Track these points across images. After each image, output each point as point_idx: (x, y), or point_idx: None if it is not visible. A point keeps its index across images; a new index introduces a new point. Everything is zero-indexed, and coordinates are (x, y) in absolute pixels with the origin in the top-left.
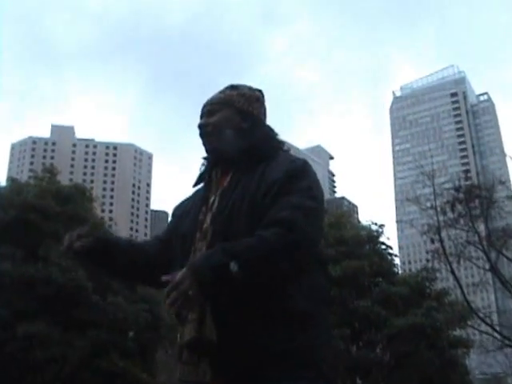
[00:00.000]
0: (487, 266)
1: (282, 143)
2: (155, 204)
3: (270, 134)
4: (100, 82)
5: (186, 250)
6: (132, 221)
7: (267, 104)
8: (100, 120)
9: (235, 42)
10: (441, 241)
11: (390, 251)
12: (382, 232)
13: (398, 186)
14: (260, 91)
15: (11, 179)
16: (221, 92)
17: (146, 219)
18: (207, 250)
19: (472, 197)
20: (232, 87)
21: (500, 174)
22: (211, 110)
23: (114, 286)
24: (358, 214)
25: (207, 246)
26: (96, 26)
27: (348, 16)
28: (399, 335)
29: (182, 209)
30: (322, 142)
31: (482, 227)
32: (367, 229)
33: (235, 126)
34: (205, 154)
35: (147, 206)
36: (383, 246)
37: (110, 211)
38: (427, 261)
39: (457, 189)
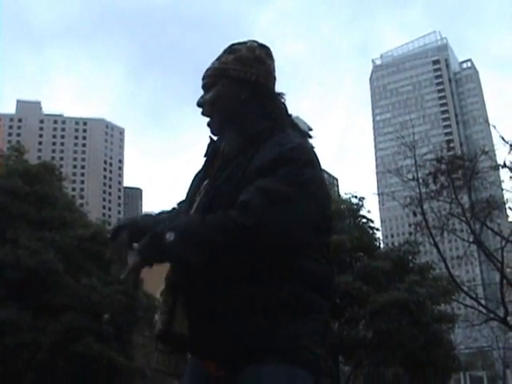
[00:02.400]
0: (471, 239)
1: (283, 120)
2: (128, 181)
3: (270, 106)
4: (82, 61)
5: None
6: (104, 199)
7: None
8: (82, 99)
9: (221, 17)
10: (423, 213)
11: (371, 225)
12: (362, 205)
13: (378, 157)
14: (263, 47)
15: None
16: (217, 58)
17: (119, 197)
18: None
19: (455, 168)
20: (230, 50)
21: (484, 143)
22: (207, 83)
23: (87, 268)
24: (338, 186)
25: None
26: (80, 4)
27: None
28: (382, 311)
29: (192, 183)
30: (301, 113)
31: (465, 199)
32: (347, 202)
33: (232, 99)
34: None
35: (120, 183)
36: (364, 220)
37: (82, 189)
38: (410, 234)
39: (439, 160)
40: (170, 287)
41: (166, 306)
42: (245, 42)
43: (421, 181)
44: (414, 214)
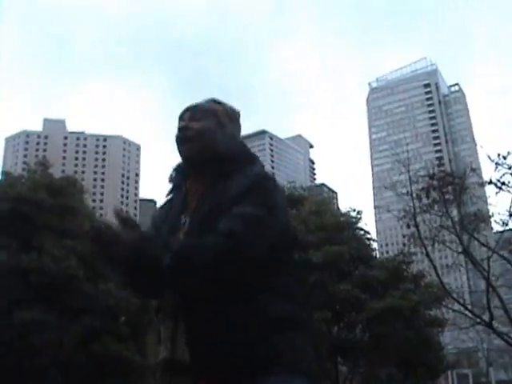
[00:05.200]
0: (460, 249)
1: (253, 157)
2: (144, 193)
3: (243, 148)
4: (118, 87)
5: None
6: (122, 210)
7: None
8: (106, 119)
9: (245, 48)
10: (416, 225)
11: (368, 236)
12: (360, 218)
13: (375, 173)
14: (238, 112)
15: (5, 173)
16: (206, 102)
17: (135, 208)
18: None
19: (445, 183)
20: (215, 101)
21: (471, 160)
22: (195, 115)
23: (104, 274)
24: (337, 200)
25: None
26: (118, 34)
27: (346, 24)
28: (378, 317)
29: (161, 218)
30: (303, 131)
31: (454, 212)
32: (346, 215)
33: (215, 136)
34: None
35: (136, 195)
36: (361, 232)
37: (101, 201)
38: (403, 245)
39: (431, 176)
40: (170, 314)
41: (168, 332)
42: (224, 102)
43: (414, 195)
44: (408, 226)
